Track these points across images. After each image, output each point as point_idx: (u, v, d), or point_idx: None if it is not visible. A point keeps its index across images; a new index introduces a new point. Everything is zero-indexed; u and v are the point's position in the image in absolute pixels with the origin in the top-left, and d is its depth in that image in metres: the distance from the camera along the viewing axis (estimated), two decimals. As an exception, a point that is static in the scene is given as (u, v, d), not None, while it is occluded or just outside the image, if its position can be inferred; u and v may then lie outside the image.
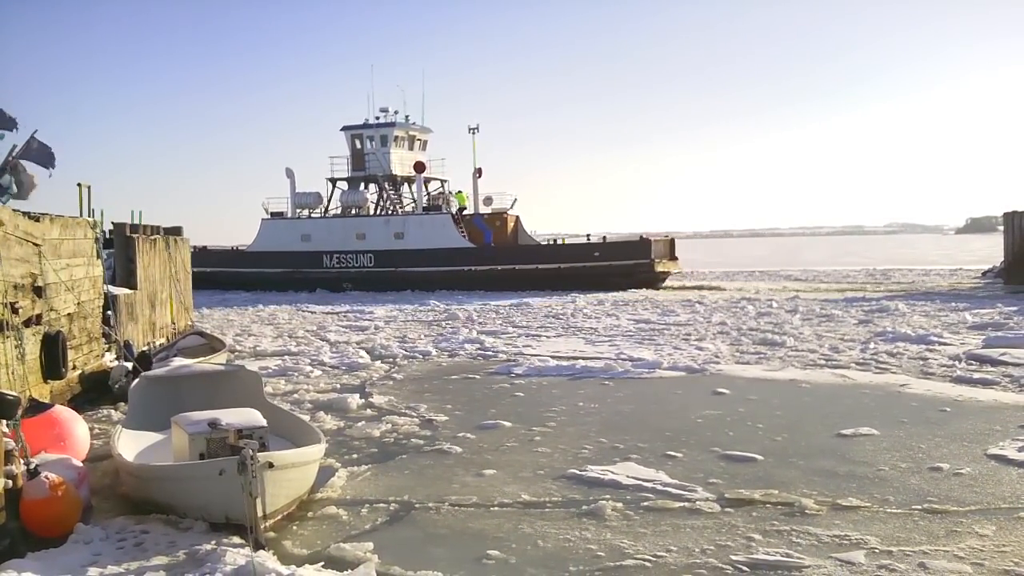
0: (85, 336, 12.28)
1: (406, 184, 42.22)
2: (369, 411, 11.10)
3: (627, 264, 35.86)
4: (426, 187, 41.88)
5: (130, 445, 8.19)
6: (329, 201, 42.14)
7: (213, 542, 5.99)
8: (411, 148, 42.15)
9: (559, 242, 41.50)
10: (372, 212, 41.54)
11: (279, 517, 6.56)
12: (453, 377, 13.83)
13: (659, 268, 36.46)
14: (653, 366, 13.81)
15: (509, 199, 41.51)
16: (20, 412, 7.00)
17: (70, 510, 6.46)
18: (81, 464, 7.51)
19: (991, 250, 57.55)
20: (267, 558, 5.52)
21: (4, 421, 6.66)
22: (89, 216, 13.90)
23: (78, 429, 8.42)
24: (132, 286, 16.24)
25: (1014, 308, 21.88)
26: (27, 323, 9.41)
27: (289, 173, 41.98)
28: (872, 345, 15.76)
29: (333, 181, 42.17)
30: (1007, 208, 32.56)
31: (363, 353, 16.38)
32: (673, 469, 7.93)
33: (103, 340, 13.27)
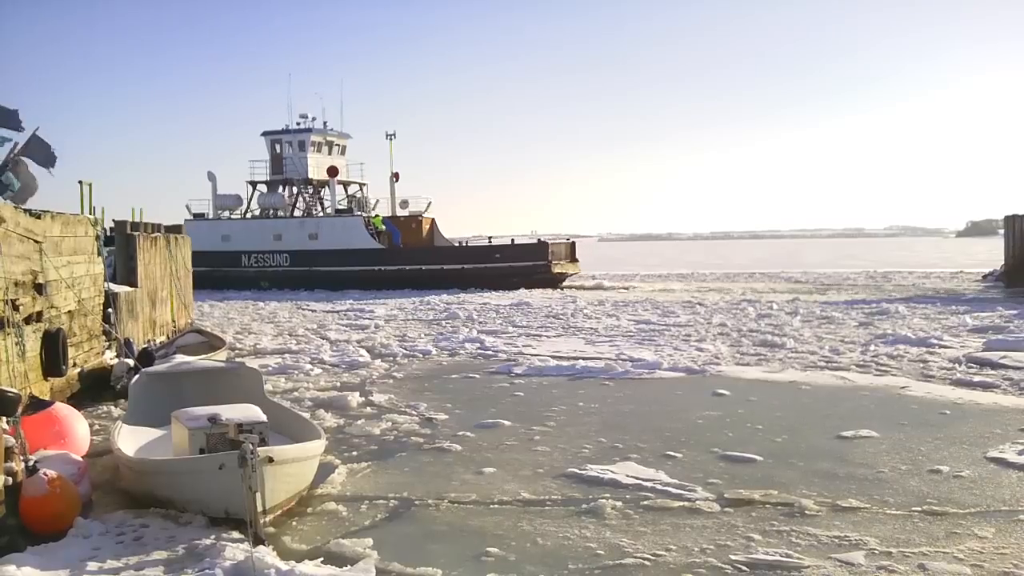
0: (86, 334, 12.29)
1: (325, 187, 43.99)
2: (369, 409, 11.10)
3: (526, 265, 38.41)
4: (346, 189, 44.39)
5: (130, 440, 8.20)
6: (249, 203, 43.95)
7: (212, 536, 5.99)
8: (330, 153, 44.08)
9: (465, 244, 44.05)
10: (289, 214, 43.51)
11: (279, 512, 6.56)
12: (453, 376, 13.83)
13: (556, 269, 39.15)
14: (653, 367, 13.81)
15: (424, 202, 44.14)
16: (20, 409, 7.01)
17: (68, 507, 6.46)
18: (81, 459, 7.52)
19: (991, 253, 57.56)
20: (266, 553, 5.51)
21: (4, 418, 6.67)
22: (90, 214, 13.91)
23: (78, 426, 8.42)
24: (133, 284, 16.25)
25: (1014, 311, 21.86)
26: (28, 320, 9.41)
27: (211, 176, 43.73)
28: (872, 347, 15.76)
29: (253, 184, 43.91)
30: (1007, 211, 32.55)
31: (363, 352, 16.39)
32: (673, 469, 7.93)
33: (103, 338, 13.28)
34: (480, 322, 22.58)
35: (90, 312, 12.51)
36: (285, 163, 43.41)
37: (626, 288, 37.77)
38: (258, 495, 5.79)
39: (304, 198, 44.15)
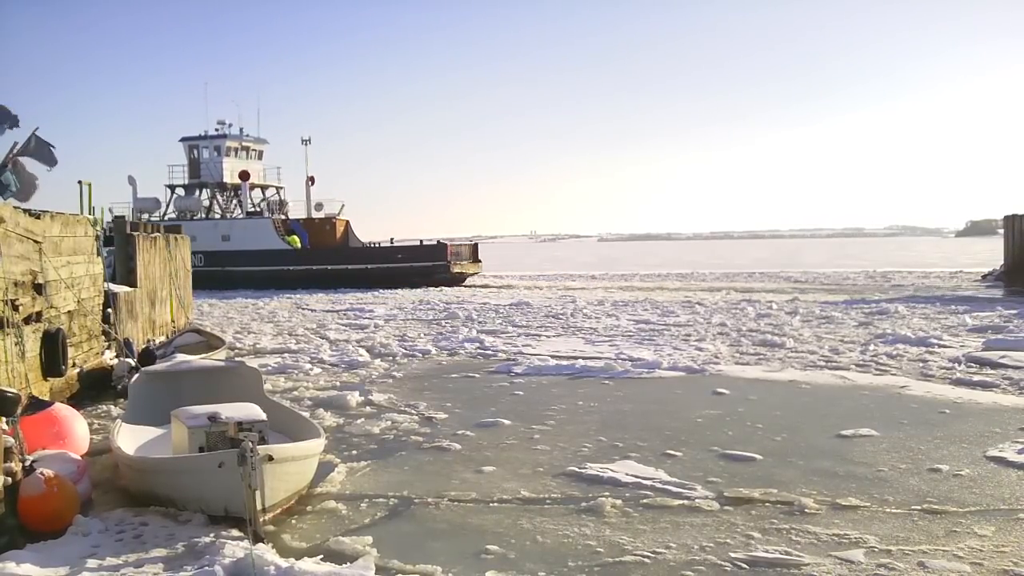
0: (85, 334, 12.28)
1: (243, 190, 46.29)
2: (368, 408, 11.10)
3: (426, 265, 41.37)
4: (263, 193, 47.27)
5: (129, 439, 8.19)
6: (167, 206, 46.04)
7: (212, 535, 5.98)
8: (247, 157, 46.79)
9: (373, 246, 46.13)
10: (204, 216, 45.68)
11: (278, 511, 6.55)
12: (453, 375, 13.83)
13: (456, 269, 42.23)
14: (653, 366, 13.80)
15: (337, 205, 47.20)
16: (20, 409, 7.01)
17: (66, 506, 6.44)
18: (80, 458, 7.51)
19: (991, 253, 57.60)
20: (266, 551, 5.50)
21: (4, 418, 6.67)
22: (90, 214, 13.91)
23: (77, 426, 8.41)
24: (132, 284, 16.25)
25: (1014, 311, 21.88)
26: (27, 320, 9.40)
27: (131, 180, 45.16)
28: (872, 347, 15.76)
29: (172, 187, 46.29)
30: (1007, 211, 32.54)
31: (363, 351, 16.38)
32: (672, 468, 7.92)
33: (103, 338, 13.27)
34: (480, 322, 22.57)
35: (89, 312, 12.50)
36: (202, 167, 45.72)
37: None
38: (258, 493, 5.80)
39: (218, 201, 46.56)
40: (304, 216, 45.68)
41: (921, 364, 13.73)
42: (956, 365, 13.48)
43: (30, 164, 11.69)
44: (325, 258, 42.55)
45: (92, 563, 5.57)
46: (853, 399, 11.12)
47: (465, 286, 41.47)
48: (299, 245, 43.16)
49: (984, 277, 37.19)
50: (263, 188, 47.30)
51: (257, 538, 5.70)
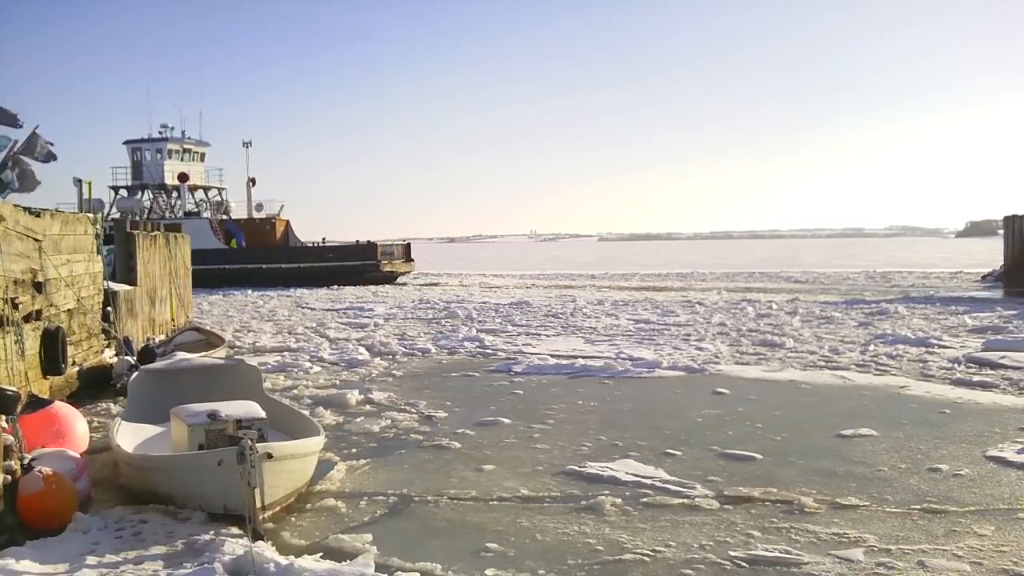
0: (85, 332, 12.28)
1: (181, 191, 48.17)
2: (368, 407, 11.10)
3: (356, 264, 43.21)
4: (206, 194, 49.16)
5: (129, 437, 8.19)
6: (111, 207, 46.54)
7: (211, 532, 5.98)
8: (190, 159, 48.64)
9: (307, 245, 47.67)
10: (145, 217, 46.71)
11: (278, 509, 6.55)
12: (453, 374, 13.83)
13: (386, 268, 44.12)
14: (653, 365, 13.80)
15: (277, 205, 48.74)
16: (19, 408, 7.01)
17: (65, 503, 6.44)
18: (79, 456, 7.51)
19: (991, 254, 57.60)
20: (265, 548, 5.49)
21: (3, 416, 6.67)
22: (89, 212, 13.91)
23: (77, 425, 8.41)
24: (132, 282, 16.25)
25: (1014, 312, 21.88)
26: (27, 319, 9.40)
27: (76, 182, 46.14)
28: (872, 347, 15.76)
29: (115, 189, 47.99)
30: (1007, 211, 32.49)
31: (362, 350, 16.38)
32: (672, 467, 7.92)
33: (102, 336, 13.27)
34: (479, 321, 22.57)
35: (89, 311, 12.50)
36: (144, 169, 47.41)
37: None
38: (257, 491, 5.79)
39: (158, 203, 48.24)
40: (245, 216, 47.17)
41: (921, 364, 13.73)
42: (956, 365, 13.48)
43: (29, 163, 11.70)
44: (259, 257, 43.91)
45: (91, 560, 5.56)
46: (853, 399, 11.12)
47: (402, 283, 42.89)
48: (235, 245, 44.65)
49: (984, 278, 37.19)
50: (206, 189, 48.93)
51: (257, 536, 5.70)
